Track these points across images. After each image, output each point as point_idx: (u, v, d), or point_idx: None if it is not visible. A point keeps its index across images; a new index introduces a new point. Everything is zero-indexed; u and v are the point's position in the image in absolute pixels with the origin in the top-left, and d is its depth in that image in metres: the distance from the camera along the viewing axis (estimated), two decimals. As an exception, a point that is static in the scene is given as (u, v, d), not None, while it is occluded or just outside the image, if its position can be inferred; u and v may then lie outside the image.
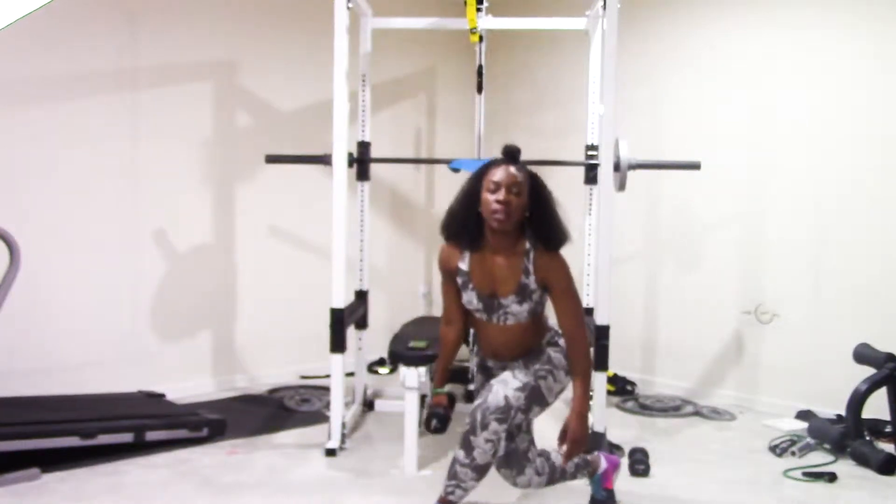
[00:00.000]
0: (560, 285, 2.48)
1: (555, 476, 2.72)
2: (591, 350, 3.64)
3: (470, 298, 2.53)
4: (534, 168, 2.53)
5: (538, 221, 2.47)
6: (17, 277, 3.07)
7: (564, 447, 2.48)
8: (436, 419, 2.60)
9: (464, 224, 2.49)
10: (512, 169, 2.43)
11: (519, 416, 2.48)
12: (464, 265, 2.52)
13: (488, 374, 2.67)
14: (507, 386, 2.45)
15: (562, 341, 2.57)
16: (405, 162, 5.22)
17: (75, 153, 3.96)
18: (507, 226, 2.42)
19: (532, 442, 2.68)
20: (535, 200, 2.46)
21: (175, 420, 3.52)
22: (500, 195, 2.38)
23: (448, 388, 2.70)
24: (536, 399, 2.50)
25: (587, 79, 4.07)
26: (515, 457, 2.63)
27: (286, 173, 4.48)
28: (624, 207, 4.18)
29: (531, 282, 2.46)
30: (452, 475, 2.47)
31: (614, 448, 3.44)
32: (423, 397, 3.35)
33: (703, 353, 4.54)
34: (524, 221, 2.47)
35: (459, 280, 2.54)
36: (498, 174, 2.41)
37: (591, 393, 2.54)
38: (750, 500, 3.01)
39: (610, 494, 2.84)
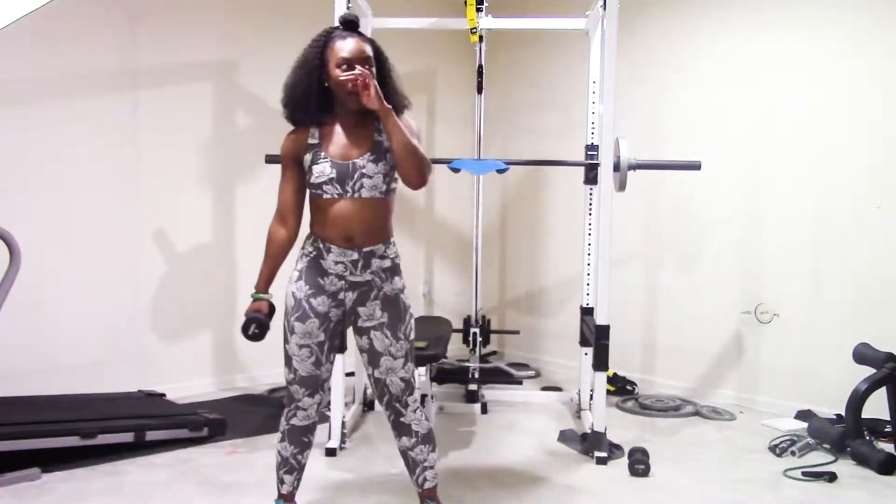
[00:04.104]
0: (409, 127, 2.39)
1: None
2: (589, 348, 3.67)
3: (322, 169, 2.39)
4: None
5: (383, 87, 2.35)
6: (16, 277, 3.07)
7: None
8: (255, 325, 2.52)
9: (311, 102, 2.38)
10: (359, 41, 2.33)
11: (414, 377, 2.50)
12: (314, 140, 2.42)
13: (323, 292, 2.56)
14: (395, 372, 2.44)
15: (399, 259, 2.50)
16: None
17: (75, 153, 3.97)
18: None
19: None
20: (378, 67, 2.38)
21: (175, 420, 3.52)
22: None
23: (270, 293, 2.60)
24: (413, 352, 2.51)
25: (587, 79, 4.08)
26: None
27: (286, 173, 4.47)
28: (624, 207, 4.17)
29: (385, 139, 2.38)
30: (412, 464, 2.50)
31: (614, 448, 3.45)
32: (423, 397, 3.35)
33: (703, 353, 4.54)
34: None
35: (309, 157, 2.41)
36: (346, 49, 2.30)
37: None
38: (750, 500, 3.01)
39: None
